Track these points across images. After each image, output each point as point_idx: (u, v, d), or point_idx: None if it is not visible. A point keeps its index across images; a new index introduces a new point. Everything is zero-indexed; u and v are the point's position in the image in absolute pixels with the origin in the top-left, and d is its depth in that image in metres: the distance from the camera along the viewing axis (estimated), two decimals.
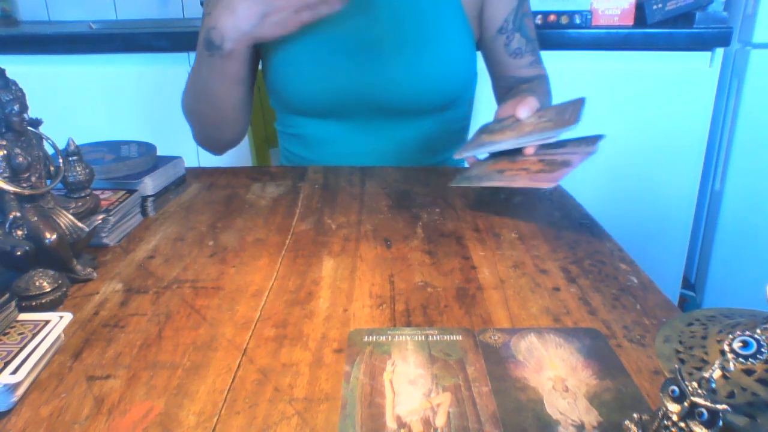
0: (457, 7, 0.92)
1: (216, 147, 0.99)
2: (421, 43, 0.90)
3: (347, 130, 0.96)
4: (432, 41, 0.90)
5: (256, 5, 0.76)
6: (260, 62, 0.97)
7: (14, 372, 0.40)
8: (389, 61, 0.90)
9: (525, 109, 0.76)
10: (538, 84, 0.97)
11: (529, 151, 0.72)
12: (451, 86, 0.94)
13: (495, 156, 0.77)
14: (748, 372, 0.27)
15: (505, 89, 1.03)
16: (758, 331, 0.27)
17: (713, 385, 0.27)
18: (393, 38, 0.89)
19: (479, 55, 1.01)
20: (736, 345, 0.27)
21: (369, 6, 0.89)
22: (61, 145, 0.57)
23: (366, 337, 0.46)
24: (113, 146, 0.79)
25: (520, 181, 0.68)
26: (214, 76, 0.85)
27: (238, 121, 0.94)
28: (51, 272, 0.53)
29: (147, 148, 0.78)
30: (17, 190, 0.51)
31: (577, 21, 1.53)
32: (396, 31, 0.89)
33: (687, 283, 1.78)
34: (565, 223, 0.70)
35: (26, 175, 0.52)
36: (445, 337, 0.46)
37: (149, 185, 0.73)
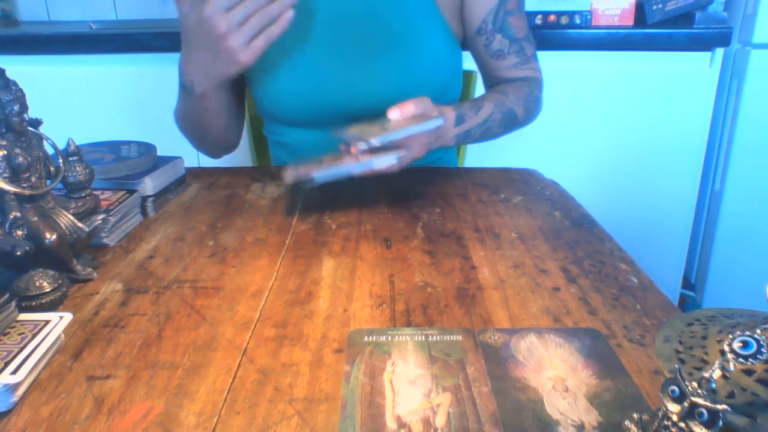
0: (434, 10, 0.91)
1: (213, 155, 1.01)
2: (400, 48, 0.89)
3: (331, 137, 0.96)
4: (410, 46, 0.89)
5: (208, 51, 0.75)
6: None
7: (14, 372, 0.40)
8: (364, 68, 0.89)
9: (395, 111, 0.74)
10: (514, 87, 0.94)
11: (352, 150, 0.71)
12: (429, 87, 0.92)
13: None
14: (748, 372, 0.27)
15: (492, 89, 1.02)
16: (758, 331, 0.27)
17: (713, 385, 0.27)
18: (371, 46, 0.89)
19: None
20: (736, 345, 0.27)
21: (345, 15, 0.89)
22: (61, 145, 0.57)
23: (366, 337, 0.46)
24: (113, 146, 0.79)
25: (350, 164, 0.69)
26: (195, 110, 0.87)
27: (230, 135, 0.97)
28: (51, 272, 0.53)
29: (147, 148, 0.78)
30: (17, 190, 0.51)
31: (577, 21, 1.53)
32: (374, 39, 0.89)
33: (687, 283, 1.78)
34: (565, 223, 0.70)
35: (26, 175, 0.52)
36: (445, 337, 0.46)
37: (149, 185, 0.73)
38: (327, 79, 0.90)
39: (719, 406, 0.26)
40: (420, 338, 0.46)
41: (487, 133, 0.89)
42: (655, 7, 1.50)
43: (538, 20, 1.52)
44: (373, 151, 0.69)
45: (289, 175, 0.71)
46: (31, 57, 1.60)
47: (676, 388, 0.27)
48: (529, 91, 0.94)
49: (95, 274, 0.57)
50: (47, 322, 0.47)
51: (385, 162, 0.69)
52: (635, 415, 0.30)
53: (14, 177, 0.51)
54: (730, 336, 0.27)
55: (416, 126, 0.69)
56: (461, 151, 1.18)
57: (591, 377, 0.41)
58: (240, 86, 0.97)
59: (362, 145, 0.68)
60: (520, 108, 0.91)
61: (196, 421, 0.38)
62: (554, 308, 0.51)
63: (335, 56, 0.89)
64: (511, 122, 0.91)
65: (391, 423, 0.37)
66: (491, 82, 1.00)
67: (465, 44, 0.98)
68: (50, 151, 0.56)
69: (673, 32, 1.48)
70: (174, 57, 1.68)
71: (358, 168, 0.69)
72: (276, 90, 0.91)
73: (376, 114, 0.90)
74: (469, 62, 1.01)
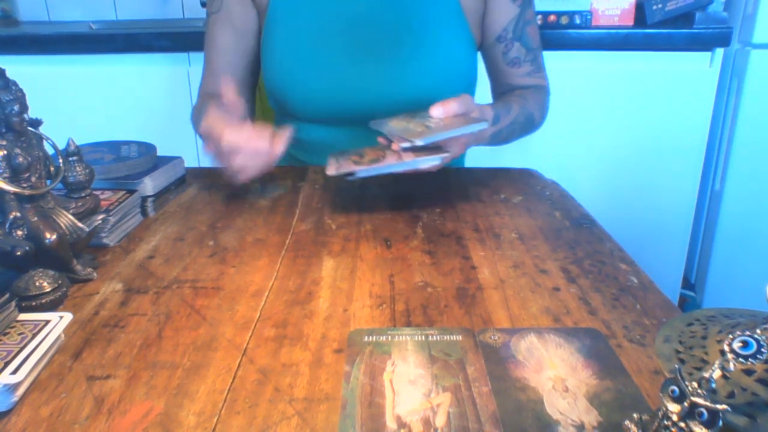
0: (459, 15, 0.92)
1: None
2: (423, 51, 0.90)
3: (348, 135, 0.95)
4: (433, 49, 0.90)
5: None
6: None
7: (14, 372, 0.40)
8: (391, 69, 0.89)
9: (438, 109, 0.73)
10: (531, 93, 0.96)
11: (394, 146, 0.72)
12: (450, 92, 0.93)
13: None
14: (748, 372, 0.27)
15: (501, 95, 1.02)
16: (758, 331, 0.27)
17: (713, 385, 0.27)
18: (395, 46, 0.89)
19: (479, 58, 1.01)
20: (736, 345, 0.27)
21: (370, 14, 0.89)
22: (61, 145, 0.57)
23: (366, 337, 0.46)
24: (113, 146, 0.79)
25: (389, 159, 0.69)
26: None
27: None
28: (51, 272, 0.53)
29: (147, 148, 0.78)
30: (17, 190, 0.51)
31: (577, 21, 1.53)
32: (398, 39, 0.89)
33: (687, 283, 1.78)
34: (565, 223, 0.70)
35: (26, 175, 0.52)
36: (445, 337, 0.46)
37: (149, 185, 0.73)
38: (350, 77, 0.90)
39: (719, 406, 0.26)
40: (420, 338, 0.46)
41: (512, 135, 0.91)
42: (655, 7, 1.50)
43: (538, 20, 1.52)
44: (416, 149, 0.68)
45: (332, 167, 0.71)
46: (31, 57, 1.60)
47: (676, 388, 0.27)
48: (543, 98, 0.97)
49: (95, 274, 0.57)
50: (47, 322, 0.47)
51: (429, 162, 0.69)
52: (635, 415, 0.30)
53: (14, 177, 0.51)
54: (730, 336, 0.27)
55: (462, 128, 0.69)
56: None
57: (591, 377, 0.41)
58: (253, 85, 0.98)
59: (406, 144, 0.68)
60: (537, 112, 0.94)
61: (196, 421, 0.38)
62: (554, 308, 0.51)
63: (360, 55, 0.90)
64: (530, 126, 0.94)
65: (391, 423, 0.37)
66: (501, 90, 1.01)
67: (480, 51, 0.99)
68: (50, 151, 0.56)
69: (673, 32, 1.48)
70: (174, 57, 1.68)
71: (402, 167, 0.69)
72: (297, 85, 0.91)
73: (391, 114, 0.90)
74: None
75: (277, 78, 0.92)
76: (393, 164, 0.68)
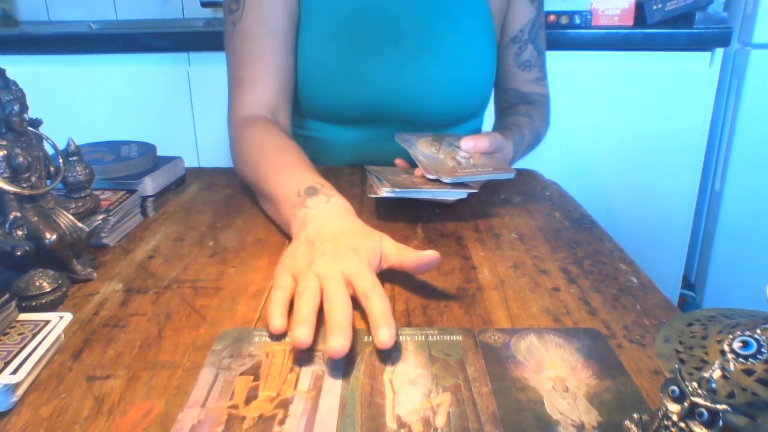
0: (487, 15, 0.92)
1: None
2: (452, 52, 0.89)
3: (366, 138, 0.95)
4: (462, 50, 0.90)
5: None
6: None
7: (14, 372, 0.40)
8: (423, 73, 0.89)
9: (469, 143, 0.74)
10: (536, 110, 0.96)
11: (417, 172, 0.72)
12: (478, 97, 0.94)
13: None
14: (748, 372, 0.27)
15: (506, 103, 1.02)
16: (758, 331, 0.27)
17: (713, 385, 0.27)
18: (427, 46, 0.89)
19: None
20: (736, 345, 0.27)
21: (402, 12, 0.88)
22: (61, 145, 0.57)
23: (366, 337, 0.46)
24: (113, 146, 0.79)
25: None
26: None
27: None
28: (51, 272, 0.53)
29: (147, 148, 0.78)
30: (17, 190, 0.51)
31: (577, 21, 1.53)
32: (429, 39, 0.89)
33: (687, 283, 1.78)
34: (565, 223, 0.70)
35: (26, 175, 0.52)
36: (445, 337, 0.46)
37: (149, 185, 0.73)
38: (381, 81, 0.89)
39: (719, 406, 0.26)
40: (420, 338, 0.46)
41: (521, 157, 0.93)
42: (655, 7, 1.51)
43: None
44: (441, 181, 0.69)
45: (373, 190, 0.69)
46: (31, 57, 1.60)
47: (676, 388, 0.27)
48: (545, 112, 0.99)
49: (95, 274, 0.57)
50: (47, 322, 0.47)
51: (456, 196, 0.69)
52: (635, 415, 0.30)
53: (14, 177, 0.51)
54: (730, 336, 0.28)
55: (491, 175, 0.70)
56: None
57: (591, 377, 0.41)
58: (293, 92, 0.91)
59: (432, 176, 0.69)
60: (543, 129, 0.97)
61: None
62: (554, 308, 0.51)
63: (390, 53, 0.88)
64: (536, 144, 0.96)
65: (391, 423, 0.37)
66: (505, 95, 1.01)
67: None
68: (50, 151, 0.56)
69: (673, 32, 1.48)
70: (174, 57, 1.68)
71: (429, 195, 0.69)
72: (329, 86, 0.89)
73: (417, 118, 0.90)
74: None
75: (309, 80, 0.89)
76: (422, 191, 0.68)
